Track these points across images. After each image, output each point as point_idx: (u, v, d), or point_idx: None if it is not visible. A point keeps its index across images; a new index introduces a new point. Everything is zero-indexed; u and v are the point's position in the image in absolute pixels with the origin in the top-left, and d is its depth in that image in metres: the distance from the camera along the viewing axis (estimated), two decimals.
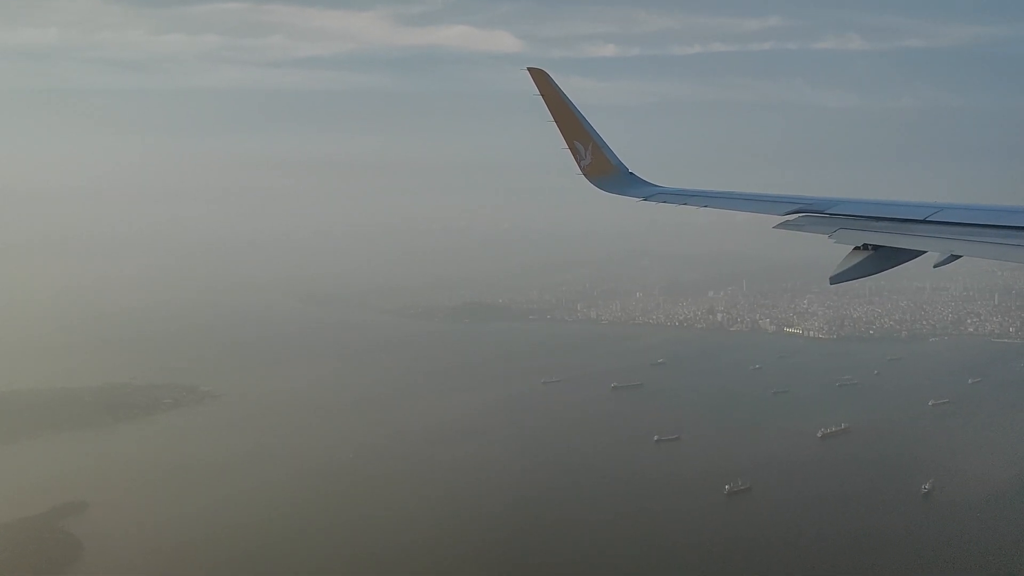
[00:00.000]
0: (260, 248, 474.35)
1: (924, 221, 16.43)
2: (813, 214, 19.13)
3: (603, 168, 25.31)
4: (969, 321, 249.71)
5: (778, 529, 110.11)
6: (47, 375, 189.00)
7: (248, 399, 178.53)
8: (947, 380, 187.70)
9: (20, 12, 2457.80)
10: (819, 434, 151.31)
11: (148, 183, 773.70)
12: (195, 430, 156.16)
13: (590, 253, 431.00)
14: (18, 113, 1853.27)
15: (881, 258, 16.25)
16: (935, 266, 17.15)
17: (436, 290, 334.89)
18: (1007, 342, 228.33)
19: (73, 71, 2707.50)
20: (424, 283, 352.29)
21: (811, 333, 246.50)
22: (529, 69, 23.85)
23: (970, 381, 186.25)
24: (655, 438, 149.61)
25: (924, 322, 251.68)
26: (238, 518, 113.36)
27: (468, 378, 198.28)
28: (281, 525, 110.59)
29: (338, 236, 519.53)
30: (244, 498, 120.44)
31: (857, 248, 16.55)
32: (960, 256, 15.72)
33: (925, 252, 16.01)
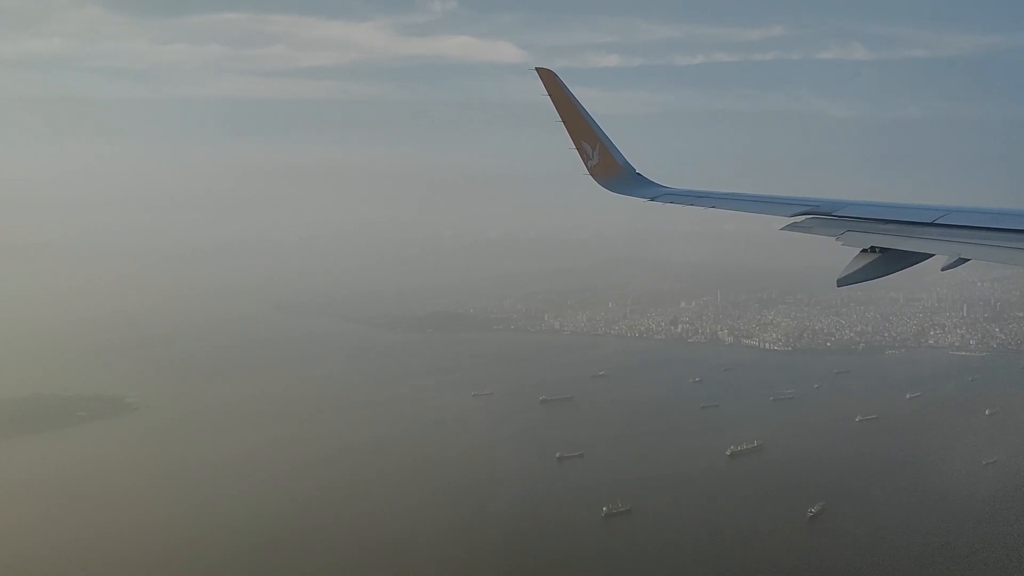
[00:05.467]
0: (251, 254, 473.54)
1: (932, 224, 16.42)
2: (820, 216, 18.99)
3: (610, 168, 25.37)
4: (932, 333, 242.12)
5: (636, 560, 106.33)
6: None
7: (167, 412, 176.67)
8: (885, 395, 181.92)
9: (24, 22, 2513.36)
10: (728, 452, 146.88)
11: (150, 190, 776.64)
12: (91, 445, 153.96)
13: (576, 261, 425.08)
14: (22, 122, 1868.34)
15: (889, 260, 16.27)
16: (943, 269, 16.47)
17: (412, 298, 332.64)
18: (964, 355, 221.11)
19: (76, 80, 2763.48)
20: (402, 291, 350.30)
21: (767, 345, 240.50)
22: (537, 69, 24.09)
23: (908, 396, 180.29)
24: (557, 455, 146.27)
25: (886, 334, 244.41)
26: (85, 543, 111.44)
27: (399, 391, 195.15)
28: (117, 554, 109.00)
29: (329, 242, 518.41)
30: (112, 524, 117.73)
31: (864, 250, 16.50)
32: (968, 259, 15.33)
33: (933, 255, 15.82)
